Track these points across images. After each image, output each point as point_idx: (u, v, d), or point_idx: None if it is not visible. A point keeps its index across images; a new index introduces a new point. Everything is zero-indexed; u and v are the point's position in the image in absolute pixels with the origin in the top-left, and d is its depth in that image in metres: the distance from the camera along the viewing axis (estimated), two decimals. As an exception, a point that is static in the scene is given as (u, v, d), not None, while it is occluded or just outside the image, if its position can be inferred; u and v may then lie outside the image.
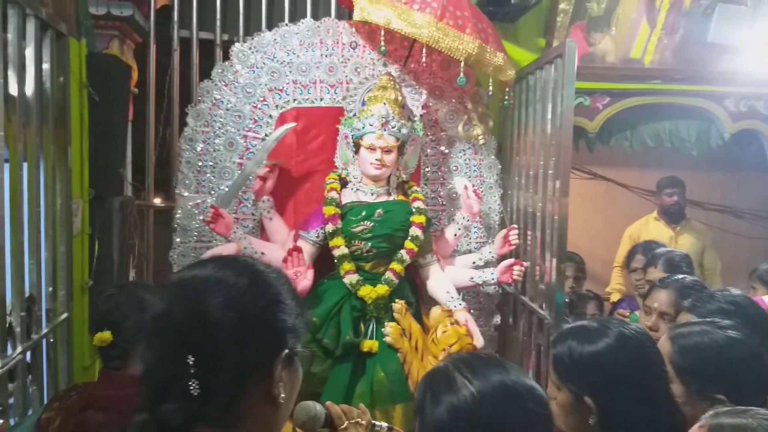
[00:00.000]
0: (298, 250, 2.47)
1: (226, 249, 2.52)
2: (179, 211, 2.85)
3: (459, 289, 2.79)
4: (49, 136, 2.15)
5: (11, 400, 1.96)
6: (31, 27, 1.97)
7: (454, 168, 3.11)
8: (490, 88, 2.69)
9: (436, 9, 2.49)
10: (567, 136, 2.38)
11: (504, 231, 2.89)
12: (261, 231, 2.89)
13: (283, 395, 0.83)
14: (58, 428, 1.52)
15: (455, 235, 2.88)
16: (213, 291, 0.82)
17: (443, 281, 2.71)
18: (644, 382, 1.27)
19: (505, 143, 3.25)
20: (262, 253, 2.60)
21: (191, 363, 0.78)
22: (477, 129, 2.94)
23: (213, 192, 2.88)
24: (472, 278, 2.78)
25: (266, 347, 0.83)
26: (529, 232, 2.87)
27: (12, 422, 1.93)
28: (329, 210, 2.60)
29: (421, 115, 2.93)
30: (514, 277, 2.72)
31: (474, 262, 2.88)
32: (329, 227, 2.57)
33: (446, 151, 3.09)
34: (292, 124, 2.83)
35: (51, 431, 1.51)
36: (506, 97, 2.82)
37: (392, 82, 2.73)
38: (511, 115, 3.13)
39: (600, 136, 3.77)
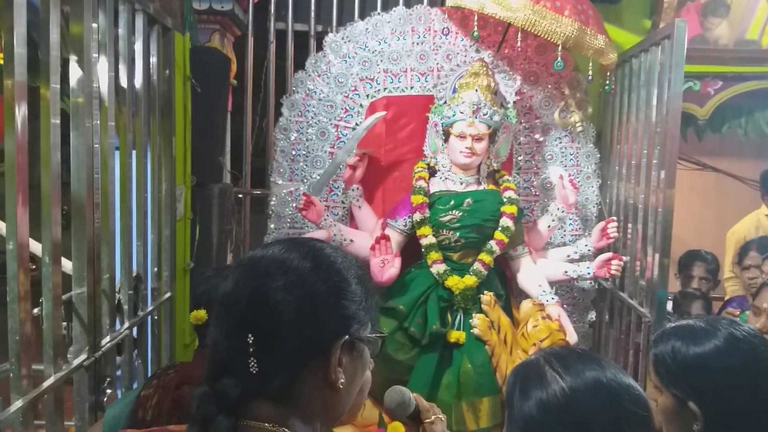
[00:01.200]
0: (386, 238, 2.47)
1: (316, 235, 2.56)
2: (274, 199, 2.94)
3: (552, 283, 2.69)
4: (155, 126, 2.28)
5: (118, 373, 2.10)
6: (139, 22, 2.09)
7: (549, 157, 3.00)
8: (590, 72, 2.56)
9: (532, -9, 2.40)
10: (674, 123, 2.22)
11: (602, 223, 2.76)
12: (350, 219, 2.92)
13: (342, 380, 0.83)
14: (156, 405, 1.60)
15: (549, 226, 2.78)
16: (276, 273, 0.83)
17: (535, 274, 2.62)
18: (756, 389, 1.16)
19: (605, 131, 3.09)
20: (351, 241, 2.63)
21: (251, 342, 0.80)
22: (574, 116, 2.81)
23: (306, 180, 2.94)
24: (566, 272, 2.67)
25: (324, 332, 0.82)
26: (629, 225, 2.71)
27: (119, 393, 2.07)
28: (417, 199, 2.58)
29: (514, 102, 2.86)
30: (612, 272, 2.58)
31: (569, 255, 2.77)
32: (417, 216, 2.56)
33: (541, 139, 2.99)
34: (382, 113, 2.83)
35: (149, 407, 1.60)
36: (606, 82, 2.67)
37: (485, 69, 2.66)
38: (612, 101, 2.96)
39: (711, 123, 3.50)
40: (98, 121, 1.76)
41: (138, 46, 2.08)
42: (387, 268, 2.44)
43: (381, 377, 2.39)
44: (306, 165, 2.95)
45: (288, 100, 2.95)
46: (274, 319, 0.80)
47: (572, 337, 2.42)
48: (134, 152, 2.20)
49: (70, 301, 1.74)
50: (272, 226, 2.95)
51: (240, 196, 3.28)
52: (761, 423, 1.14)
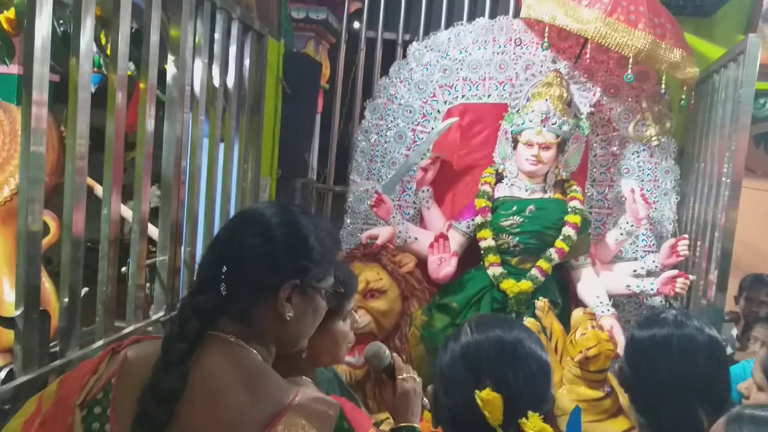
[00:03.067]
0: (444, 237, 2.59)
1: (383, 231, 2.72)
2: (351, 195, 3.14)
3: (613, 296, 2.68)
4: (244, 122, 2.55)
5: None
6: (235, 29, 2.36)
7: (625, 170, 2.97)
8: (662, 85, 2.53)
9: (606, 4, 2.42)
10: (742, 141, 2.16)
11: (672, 240, 2.70)
12: (420, 219, 3.06)
13: (290, 314, 1.00)
14: None
15: (617, 240, 2.76)
16: (250, 222, 1.04)
17: (594, 285, 2.63)
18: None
19: (687, 147, 3.01)
20: (415, 239, 2.76)
21: (223, 271, 0.99)
22: (650, 129, 2.77)
23: (381, 180, 3.11)
24: (629, 286, 2.65)
25: (277, 273, 1.00)
26: (698, 244, 2.64)
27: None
28: (480, 202, 2.68)
29: (591, 113, 2.88)
30: (677, 290, 2.53)
31: (635, 270, 2.74)
32: (478, 219, 2.65)
33: (618, 152, 2.97)
34: (455, 119, 2.95)
35: None
36: (683, 97, 2.62)
37: (559, 79, 2.71)
38: (695, 117, 2.89)
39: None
40: (191, 114, 2.04)
41: (233, 50, 2.35)
42: (443, 265, 2.55)
43: (431, 370, 2.53)
44: (383, 166, 3.12)
45: (371, 104, 3.14)
46: (241, 256, 1.00)
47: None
48: (222, 144, 2.47)
49: (155, 266, 2.03)
50: (348, 221, 3.15)
51: (322, 192, 3.51)
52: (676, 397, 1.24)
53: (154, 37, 1.78)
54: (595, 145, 2.99)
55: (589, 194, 2.99)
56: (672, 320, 1.32)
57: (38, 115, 1.45)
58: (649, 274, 2.71)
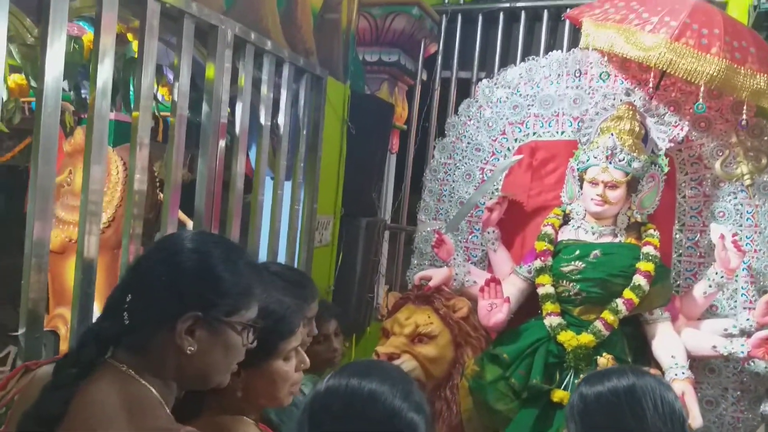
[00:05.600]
0: (496, 281, 2.42)
1: (437, 272, 2.61)
2: (418, 235, 3.07)
3: (697, 358, 2.34)
4: (298, 161, 2.61)
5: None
6: (286, 71, 2.44)
7: (720, 214, 2.61)
8: (744, 116, 2.21)
9: (673, 28, 2.19)
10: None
11: (769, 296, 2.31)
12: (488, 262, 2.91)
13: (191, 348, 0.96)
14: None
15: (705, 293, 2.42)
16: (160, 249, 1.03)
17: (672, 343, 2.30)
18: None
19: (797, 187, 2.59)
20: (474, 282, 2.62)
21: (128, 300, 0.97)
22: (741, 167, 2.43)
23: (449, 220, 3.02)
24: (715, 347, 2.29)
25: (177, 303, 0.96)
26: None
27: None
28: (540, 245, 2.49)
29: (679, 150, 2.60)
30: (773, 354, 2.14)
31: (726, 329, 2.37)
32: (537, 263, 2.46)
33: (710, 192, 2.63)
34: (519, 157, 2.80)
35: None
36: (774, 129, 2.27)
37: (631, 112, 2.48)
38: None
39: None
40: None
41: (283, 93, 2.44)
42: (494, 312, 2.38)
43: (480, 425, 2.36)
44: (450, 205, 3.03)
45: (440, 143, 3.08)
46: (143, 283, 0.99)
47: (696, 420, 2.06)
48: (287, 183, 2.55)
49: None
50: (415, 261, 3.07)
51: (395, 231, 3.48)
52: None
53: (184, 80, 1.90)
54: (683, 185, 2.67)
55: (677, 240, 2.67)
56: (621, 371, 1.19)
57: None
58: (743, 334, 2.33)
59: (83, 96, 2.38)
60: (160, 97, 2.80)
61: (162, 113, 2.86)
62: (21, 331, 1.42)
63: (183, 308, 0.96)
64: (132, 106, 1.78)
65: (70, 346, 1.00)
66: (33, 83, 1.57)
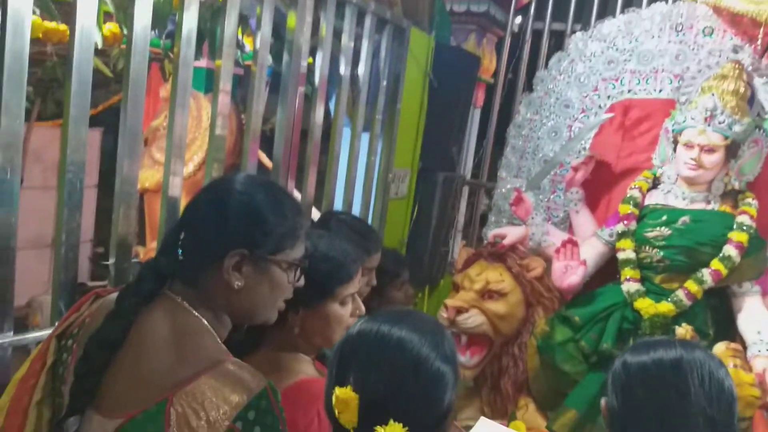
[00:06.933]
0: (573, 242, 2.35)
1: (512, 230, 2.57)
2: (497, 192, 3.02)
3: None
4: (376, 113, 2.61)
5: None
6: (368, 22, 2.42)
7: (834, 184, 2.38)
8: None
9: (793, -24, 1.96)
10: None
11: None
12: (570, 224, 2.82)
13: (239, 284, 1.01)
14: None
15: (804, 268, 2.24)
16: (211, 190, 1.08)
17: (758, 318, 2.16)
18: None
19: None
20: (553, 243, 2.55)
21: (182, 237, 1.03)
22: None
23: (530, 178, 2.94)
24: (809, 326, 2.12)
25: (225, 241, 1.01)
26: None
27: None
28: (624, 209, 2.38)
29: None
30: None
31: (825, 308, 2.19)
32: (619, 227, 2.36)
33: (821, 161, 2.39)
34: (609, 115, 2.66)
35: None
36: None
37: (737, 71, 2.28)
38: None
39: None
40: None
41: (364, 43, 2.43)
42: (568, 274, 2.32)
43: (545, 385, 2.35)
44: (533, 163, 2.94)
45: (526, 98, 2.98)
46: (195, 222, 1.05)
47: (776, 400, 1.94)
48: (365, 134, 2.57)
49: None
50: (493, 218, 3.03)
51: (474, 187, 3.43)
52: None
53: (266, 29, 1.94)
54: (794, 152, 2.44)
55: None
56: (670, 343, 1.13)
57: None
58: None
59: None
60: (246, 48, 2.87)
61: (246, 62, 2.94)
62: (111, 261, 1.55)
63: (230, 246, 1.01)
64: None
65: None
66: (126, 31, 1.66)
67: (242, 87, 3.35)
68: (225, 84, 1.80)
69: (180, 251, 1.03)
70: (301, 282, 1.11)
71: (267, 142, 2.29)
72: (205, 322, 1.01)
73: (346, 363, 0.96)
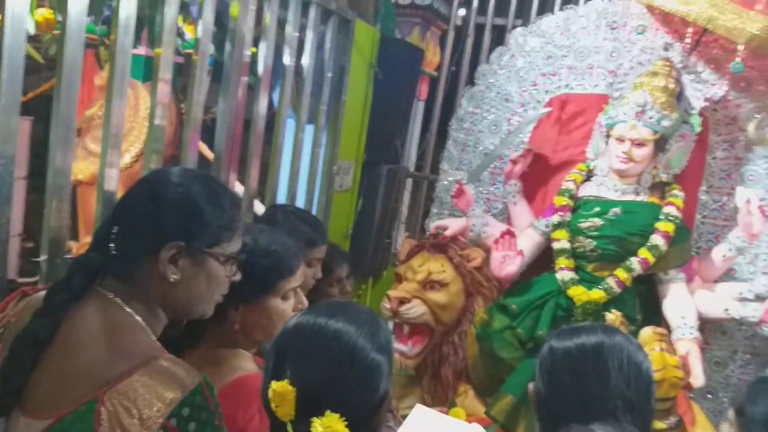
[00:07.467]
0: (511, 233, 2.43)
1: (454, 222, 2.63)
2: (439, 185, 3.07)
3: (709, 320, 2.34)
4: (323, 104, 2.61)
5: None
6: (313, 12, 2.41)
7: (750, 178, 2.54)
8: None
9: (716, -20, 2.08)
10: None
11: (791, 262, 2.26)
12: (508, 215, 2.90)
13: (175, 277, 1.00)
14: None
15: (724, 256, 2.38)
16: (144, 182, 1.07)
17: (683, 304, 2.30)
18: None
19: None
20: (492, 234, 2.62)
21: (114, 231, 1.02)
22: (776, 130, 2.34)
23: (471, 171, 3.00)
24: (728, 310, 2.27)
25: (158, 232, 1.00)
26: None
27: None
28: (560, 200, 2.47)
29: (714, 110, 2.51)
30: (786, 321, 2.12)
31: (741, 293, 2.34)
32: (555, 218, 2.45)
33: (742, 155, 2.55)
34: (548, 110, 2.74)
35: None
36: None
37: (667, 68, 2.39)
38: None
39: None
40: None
41: (309, 34, 2.42)
42: (506, 264, 2.40)
43: (484, 370, 2.42)
44: (474, 156, 3.01)
45: (468, 92, 3.04)
46: (129, 215, 1.03)
47: (697, 380, 2.07)
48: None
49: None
50: (434, 210, 3.09)
51: (418, 180, 3.48)
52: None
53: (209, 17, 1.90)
54: (715, 146, 2.60)
55: (703, 202, 2.62)
56: (592, 328, 1.18)
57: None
58: (759, 299, 2.29)
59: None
60: (186, 36, 2.81)
61: (187, 51, 2.88)
62: (43, 257, 1.50)
63: (166, 238, 1.00)
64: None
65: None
66: (60, 17, 1.60)
67: (182, 76, 3.27)
68: (165, 73, 1.76)
69: (113, 245, 1.01)
70: (238, 276, 1.11)
71: (208, 133, 2.25)
72: (138, 318, 1.00)
73: (282, 356, 0.97)
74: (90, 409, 0.89)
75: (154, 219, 1.01)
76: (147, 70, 3.10)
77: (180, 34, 2.76)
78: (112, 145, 1.66)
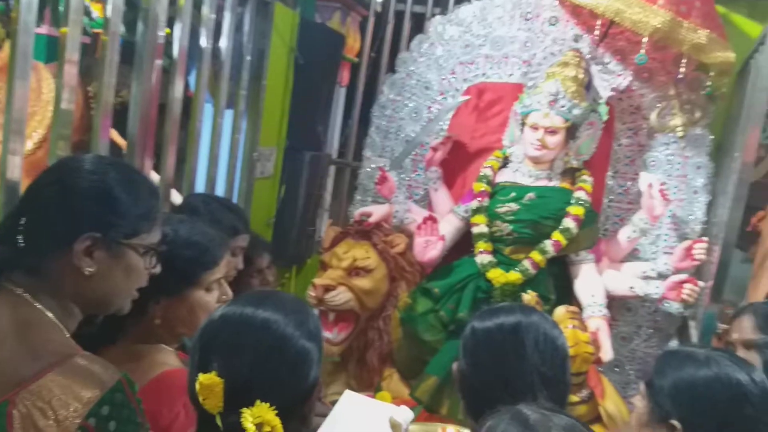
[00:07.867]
0: (433, 219, 2.48)
1: (377, 209, 2.65)
2: (362, 172, 3.08)
3: (616, 297, 2.49)
4: (241, 90, 2.55)
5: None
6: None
7: (652, 163, 2.71)
8: (681, 69, 2.27)
9: (623, -23, 2.20)
10: (752, 137, 1.89)
11: (688, 242, 2.45)
12: (429, 201, 2.95)
13: (90, 269, 0.96)
14: None
15: (629, 237, 2.54)
16: (54, 170, 1.02)
17: (592, 283, 2.44)
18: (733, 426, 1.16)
19: (724, 142, 2.70)
20: (414, 220, 2.66)
21: (22, 222, 0.97)
22: (676, 119, 2.51)
23: (394, 158, 3.03)
24: (633, 288, 2.43)
25: (72, 224, 0.96)
26: (714, 248, 2.37)
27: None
28: (478, 186, 2.55)
29: (620, 99, 2.66)
30: (684, 296, 2.30)
31: (644, 272, 2.51)
32: (474, 203, 2.53)
33: (645, 142, 2.72)
34: (466, 98, 2.81)
35: None
36: (708, 83, 2.34)
37: (577, 59, 2.50)
38: (732, 107, 2.58)
39: None
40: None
41: (227, 15, 2.35)
42: (429, 249, 2.45)
43: (408, 353, 2.47)
44: (396, 143, 3.03)
45: (389, 79, 3.05)
46: (38, 205, 0.98)
47: (606, 354, 2.21)
48: (227, 111, 2.49)
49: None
50: (358, 197, 3.10)
51: (340, 167, 3.47)
52: None
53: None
54: (620, 134, 2.75)
55: (609, 186, 2.77)
56: (511, 309, 1.25)
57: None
58: (660, 277, 2.47)
59: (11, 8, 2.24)
60: (94, 15, 2.65)
61: (94, 30, 2.72)
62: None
63: (80, 229, 0.96)
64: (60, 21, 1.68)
65: None
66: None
67: (88, 57, 3.08)
68: (72, 54, 1.66)
69: (20, 238, 0.95)
70: (158, 268, 1.07)
71: (117, 118, 2.14)
72: (50, 315, 0.95)
73: (209, 348, 0.95)
74: (1, 412, 0.84)
75: (66, 209, 0.96)
76: (49, 51, 2.90)
77: (87, 12, 2.60)
78: (15, 131, 1.55)
